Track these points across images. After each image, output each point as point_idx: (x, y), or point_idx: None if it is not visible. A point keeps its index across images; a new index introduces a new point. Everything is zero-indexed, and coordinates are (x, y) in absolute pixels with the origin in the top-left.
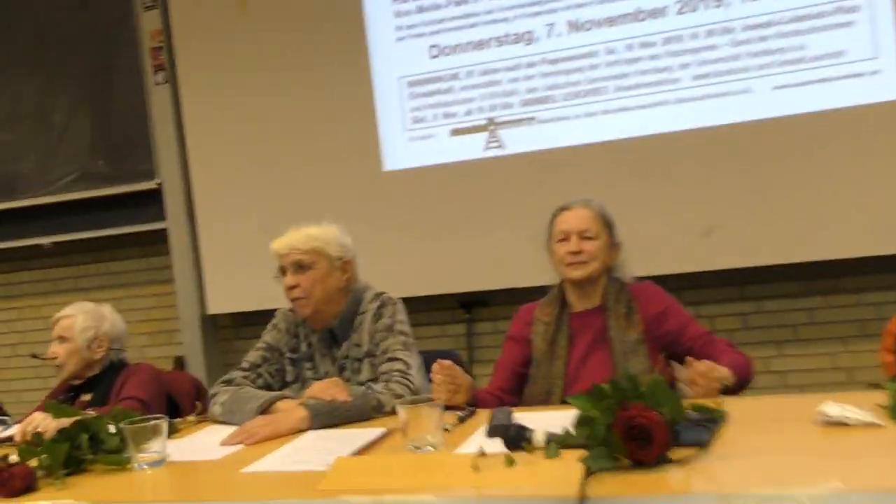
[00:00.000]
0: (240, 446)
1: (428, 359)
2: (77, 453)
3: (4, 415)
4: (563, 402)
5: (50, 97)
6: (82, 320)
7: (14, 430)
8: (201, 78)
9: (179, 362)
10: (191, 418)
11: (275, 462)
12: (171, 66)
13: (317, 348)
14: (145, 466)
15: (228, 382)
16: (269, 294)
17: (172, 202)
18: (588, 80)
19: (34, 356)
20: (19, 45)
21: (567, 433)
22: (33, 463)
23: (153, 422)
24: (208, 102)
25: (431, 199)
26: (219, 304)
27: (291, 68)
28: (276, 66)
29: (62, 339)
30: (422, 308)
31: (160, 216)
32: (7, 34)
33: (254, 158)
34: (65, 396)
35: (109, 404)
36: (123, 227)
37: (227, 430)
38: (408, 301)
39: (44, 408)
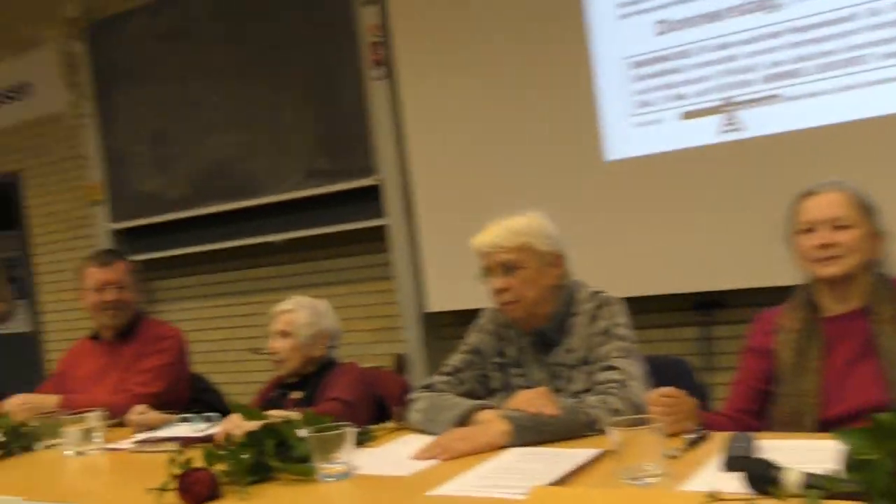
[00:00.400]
0: (433, 461)
1: (654, 365)
2: (263, 460)
3: (215, 411)
4: (820, 428)
5: (279, 97)
6: (305, 315)
7: (216, 429)
8: (419, 72)
9: (400, 361)
10: (389, 425)
11: (466, 484)
12: (390, 60)
13: (527, 353)
14: (329, 478)
15: (429, 388)
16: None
17: (391, 198)
18: (845, 48)
19: (253, 351)
20: (249, 50)
21: (834, 478)
22: (220, 468)
23: (339, 430)
24: (426, 97)
25: (659, 190)
26: (438, 301)
27: (508, 57)
28: (493, 56)
29: (284, 333)
30: (648, 309)
31: (380, 213)
32: (238, 41)
33: (471, 152)
34: (276, 394)
35: (315, 404)
36: (345, 224)
37: (423, 440)
38: (633, 301)
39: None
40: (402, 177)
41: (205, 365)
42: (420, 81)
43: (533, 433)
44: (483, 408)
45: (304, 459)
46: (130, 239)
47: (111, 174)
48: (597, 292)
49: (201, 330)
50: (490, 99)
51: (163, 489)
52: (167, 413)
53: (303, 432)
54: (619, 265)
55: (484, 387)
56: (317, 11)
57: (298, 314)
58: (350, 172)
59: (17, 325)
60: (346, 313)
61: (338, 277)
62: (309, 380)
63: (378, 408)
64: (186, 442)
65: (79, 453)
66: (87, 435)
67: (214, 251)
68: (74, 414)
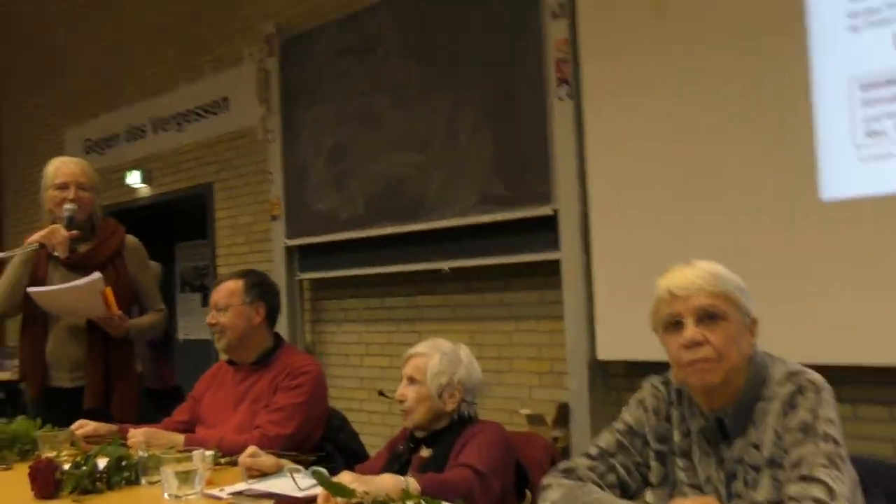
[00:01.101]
0: None
1: (870, 470)
2: None
3: (350, 452)
4: None
5: (458, 116)
6: (438, 363)
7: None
8: (607, 91)
9: (563, 410)
10: None
11: None
12: (576, 79)
13: (697, 441)
14: None
15: (568, 473)
16: None
17: (567, 231)
18: None
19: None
20: (432, 65)
21: None
22: None
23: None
24: (612, 119)
25: (889, 237)
26: (610, 349)
27: (709, 75)
28: (691, 75)
29: (412, 380)
30: (864, 381)
31: (555, 245)
32: (421, 57)
33: (660, 186)
34: (404, 447)
35: (447, 467)
36: (517, 256)
37: None
38: (847, 374)
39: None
40: (582, 207)
41: (361, 391)
42: (607, 102)
43: None
44: None
45: None
46: (303, 256)
47: (290, 190)
48: (796, 372)
49: (362, 355)
50: (685, 122)
51: None
52: (290, 455)
53: None
54: (831, 329)
55: (638, 478)
56: (503, 25)
57: (430, 360)
58: (526, 199)
59: (200, 331)
60: (509, 351)
61: (505, 312)
62: (440, 437)
63: (519, 479)
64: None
65: (175, 497)
66: (186, 477)
67: (382, 275)
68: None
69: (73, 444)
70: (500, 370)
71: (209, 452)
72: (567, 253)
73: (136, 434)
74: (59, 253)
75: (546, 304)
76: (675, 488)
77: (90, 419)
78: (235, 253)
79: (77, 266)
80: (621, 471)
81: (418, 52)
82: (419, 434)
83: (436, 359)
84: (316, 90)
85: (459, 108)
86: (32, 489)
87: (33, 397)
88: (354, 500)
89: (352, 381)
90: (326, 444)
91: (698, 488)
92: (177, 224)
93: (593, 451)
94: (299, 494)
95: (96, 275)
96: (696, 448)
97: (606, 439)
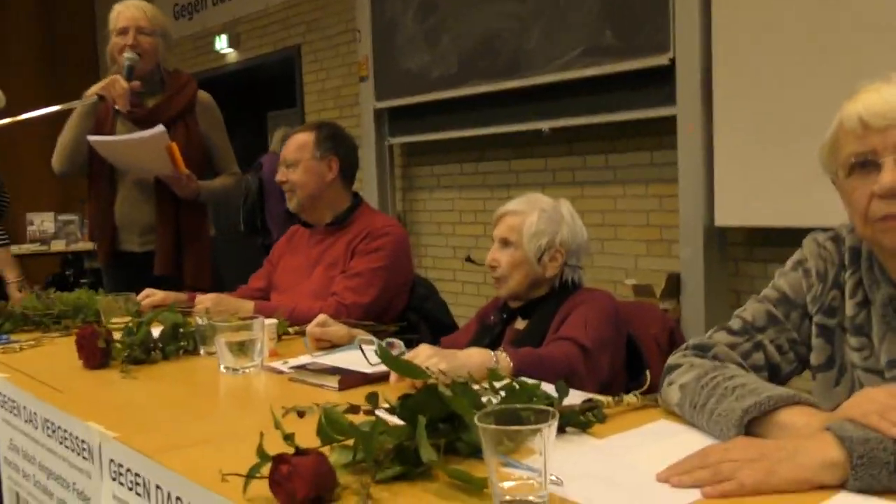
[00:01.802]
0: (692, 493)
1: None
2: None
3: (437, 322)
4: None
5: None
6: (535, 221)
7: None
8: None
9: (672, 282)
10: (630, 398)
11: None
12: None
13: (879, 316)
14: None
15: (702, 350)
16: (795, 209)
17: (686, 83)
18: None
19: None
20: None
21: None
22: (342, 458)
23: None
24: None
25: None
26: (730, 214)
27: None
28: None
29: (505, 242)
30: None
31: (671, 100)
32: None
33: (794, 34)
34: (496, 318)
35: (545, 341)
36: (627, 113)
37: (682, 441)
38: None
39: (473, 333)
40: (704, 57)
41: (454, 261)
42: None
43: (886, 473)
44: (797, 402)
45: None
46: (393, 119)
47: (378, 49)
48: None
49: (455, 223)
50: None
51: (249, 475)
52: (368, 326)
53: None
54: None
55: (794, 360)
56: None
57: (527, 218)
58: (638, 49)
59: None
60: (614, 218)
61: (611, 176)
62: (538, 306)
63: (632, 359)
64: (347, 382)
65: (231, 369)
66: (243, 348)
67: (477, 137)
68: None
69: (139, 314)
70: (603, 238)
71: (271, 321)
72: (684, 108)
73: (203, 300)
74: (120, 106)
75: (657, 166)
76: (843, 373)
77: (161, 288)
78: (325, 119)
79: (144, 122)
80: (771, 349)
81: None
82: (514, 304)
83: (533, 217)
84: None
85: None
86: (80, 358)
87: (103, 262)
88: (431, 380)
89: (444, 251)
90: (411, 314)
91: (878, 374)
92: (266, 92)
93: (735, 324)
94: (368, 370)
95: (160, 128)
96: (878, 324)
97: (753, 310)
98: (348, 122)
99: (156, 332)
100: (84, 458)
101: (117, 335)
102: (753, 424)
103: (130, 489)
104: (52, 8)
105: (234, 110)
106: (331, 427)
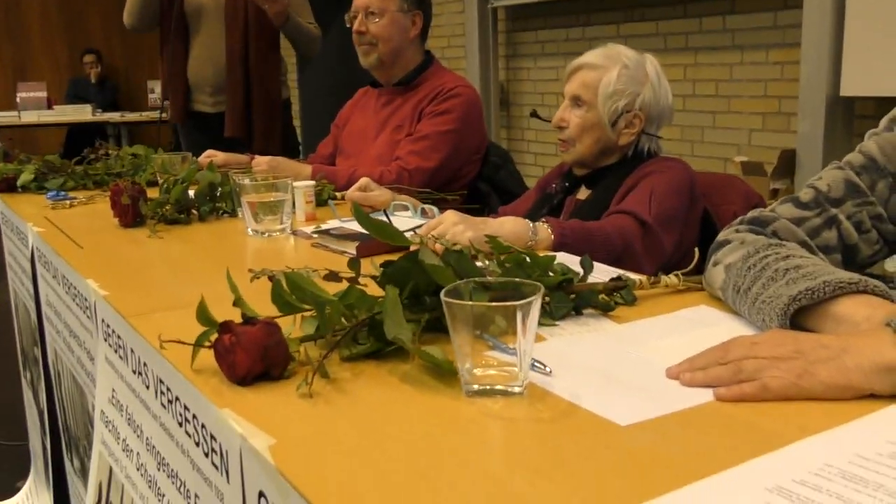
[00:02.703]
0: (705, 392)
1: None
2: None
3: (506, 193)
4: None
5: None
6: (614, 78)
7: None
8: None
9: (787, 157)
10: (670, 279)
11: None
12: None
13: None
14: None
15: (760, 225)
16: None
17: None
18: None
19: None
20: None
21: None
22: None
23: None
24: None
25: None
26: (858, 83)
27: None
28: None
29: (577, 101)
30: None
31: None
32: None
33: None
34: (557, 185)
35: (608, 210)
36: None
37: (724, 324)
38: None
39: (532, 202)
40: None
41: (546, 132)
42: None
43: None
44: (862, 290)
45: None
46: None
47: None
48: None
49: (559, 94)
50: None
51: (195, 344)
52: (422, 192)
53: None
54: None
55: (873, 239)
56: None
57: (606, 74)
58: None
59: None
60: (729, 88)
61: (727, 40)
62: (605, 175)
63: (706, 235)
64: (367, 249)
65: (257, 232)
66: (270, 210)
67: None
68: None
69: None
70: (715, 110)
71: (308, 183)
72: None
73: (260, 162)
74: None
75: (780, 29)
76: None
77: (236, 152)
78: None
79: None
80: (847, 226)
81: None
82: (579, 171)
83: (613, 73)
84: None
85: None
86: (114, 216)
87: (177, 122)
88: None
89: (547, 124)
90: (481, 183)
91: None
92: None
93: (805, 195)
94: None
95: None
96: None
97: (830, 178)
98: None
99: (192, 192)
100: (88, 316)
101: (155, 194)
102: (803, 315)
103: (115, 351)
104: None
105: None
106: (295, 294)
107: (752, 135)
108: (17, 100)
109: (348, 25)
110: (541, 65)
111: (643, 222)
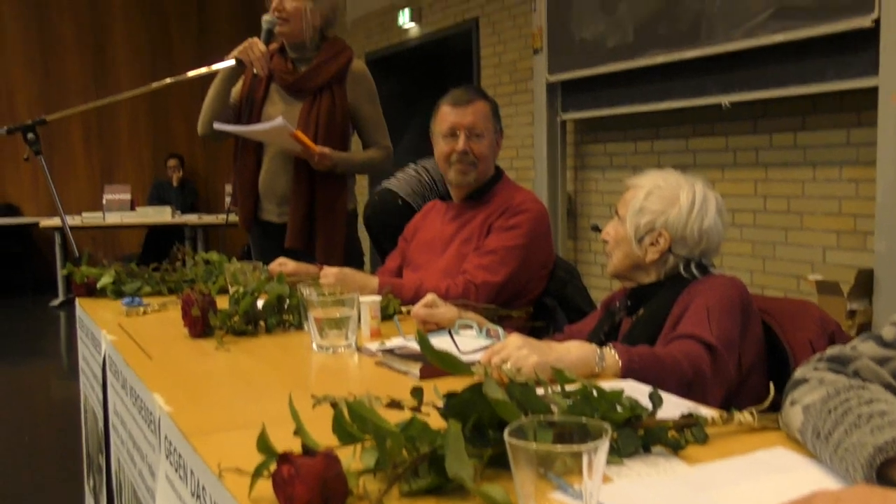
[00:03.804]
0: None
1: None
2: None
3: (575, 311)
4: None
5: None
6: (642, 196)
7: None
8: None
9: (865, 278)
10: (744, 416)
11: None
12: None
13: None
14: None
15: (840, 363)
16: None
17: (890, 49)
18: None
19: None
20: None
21: None
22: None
23: None
24: None
25: None
26: None
27: None
28: None
29: (618, 216)
30: None
31: (872, 69)
32: None
33: None
34: (621, 305)
35: (662, 336)
36: (819, 85)
37: (803, 470)
38: None
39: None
40: None
41: None
42: None
43: None
44: None
45: None
46: (566, 93)
47: (553, 18)
48: None
49: None
50: None
51: (255, 474)
52: (489, 309)
53: None
54: None
55: None
56: None
57: (639, 192)
58: (836, 9)
59: None
60: (801, 205)
61: (799, 157)
62: (650, 294)
63: (774, 360)
64: (430, 371)
65: (322, 348)
66: (335, 325)
67: (653, 113)
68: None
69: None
70: (788, 227)
71: (373, 298)
72: (888, 78)
73: (328, 274)
74: (257, 70)
75: (854, 146)
76: None
77: (303, 262)
78: (500, 94)
79: (293, 89)
80: None
81: None
82: (627, 284)
83: (644, 192)
84: None
85: None
86: (185, 326)
87: (244, 229)
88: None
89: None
90: (547, 298)
91: None
92: (445, 66)
93: (888, 333)
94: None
95: (279, 121)
96: None
97: None
98: (522, 97)
99: (261, 303)
100: (152, 430)
101: (225, 303)
102: (891, 467)
103: (176, 470)
104: None
105: (415, 84)
106: (356, 423)
107: (826, 252)
108: (104, 201)
109: (446, 149)
110: (609, 177)
111: (710, 346)
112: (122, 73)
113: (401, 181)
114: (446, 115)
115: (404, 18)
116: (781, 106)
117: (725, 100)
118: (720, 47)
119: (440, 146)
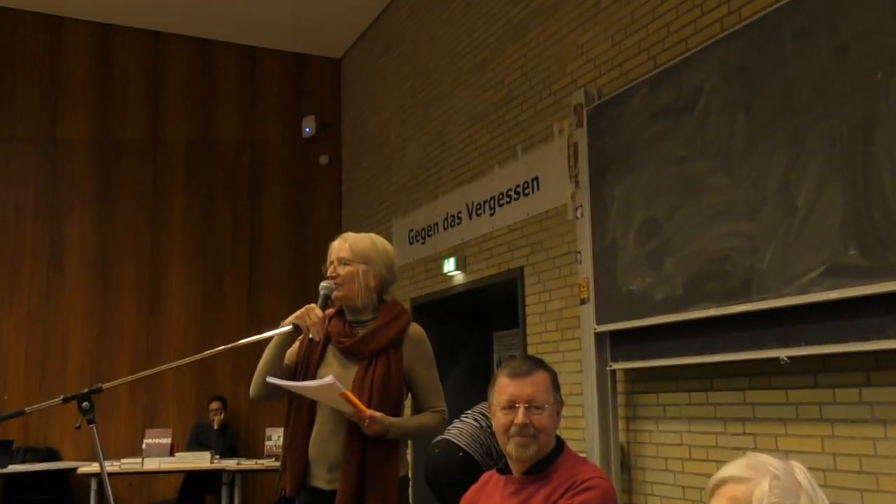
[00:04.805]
0: None
1: None
2: None
3: None
4: None
5: (796, 172)
6: (766, 490)
7: None
8: None
9: None
10: None
11: None
12: None
13: None
14: None
15: None
16: None
17: None
18: None
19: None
20: (765, 115)
21: None
22: None
23: None
24: None
25: None
26: None
27: None
28: None
29: None
30: None
31: None
32: (752, 106)
33: None
34: None
35: None
36: (881, 342)
37: None
38: None
39: None
40: None
41: (683, 503)
42: None
43: None
44: None
45: None
46: (615, 343)
47: (599, 271)
48: None
49: (684, 460)
50: None
51: None
52: None
53: None
54: None
55: None
56: (861, 54)
57: (757, 487)
58: (886, 269)
59: None
60: (875, 465)
61: (867, 414)
62: None
63: None
64: None
65: None
66: None
67: (707, 365)
68: None
69: None
70: (862, 488)
71: None
72: None
73: None
74: (314, 335)
75: None
76: None
77: None
78: (546, 341)
79: (349, 352)
80: None
81: (744, 103)
82: None
83: (764, 485)
84: (627, 159)
85: (797, 162)
86: None
87: (290, 494)
88: None
89: (673, 490)
90: None
91: None
92: (492, 312)
93: None
94: None
95: (329, 379)
96: None
97: None
98: (569, 344)
99: None
100: None
101: None
102: None
103: None
104: (303, 228)
105: (462, 330)
106: None
107: None
108: (143, 446)
109: (505, 421)
110: (663, 428)
111: None
112: (173, 326)
113: (461, 432)
114: (505, 387)
115: (449, 266)
116: (842, 361)
117: (783, 353)
118: (772, 303)
119: (498, 418)
